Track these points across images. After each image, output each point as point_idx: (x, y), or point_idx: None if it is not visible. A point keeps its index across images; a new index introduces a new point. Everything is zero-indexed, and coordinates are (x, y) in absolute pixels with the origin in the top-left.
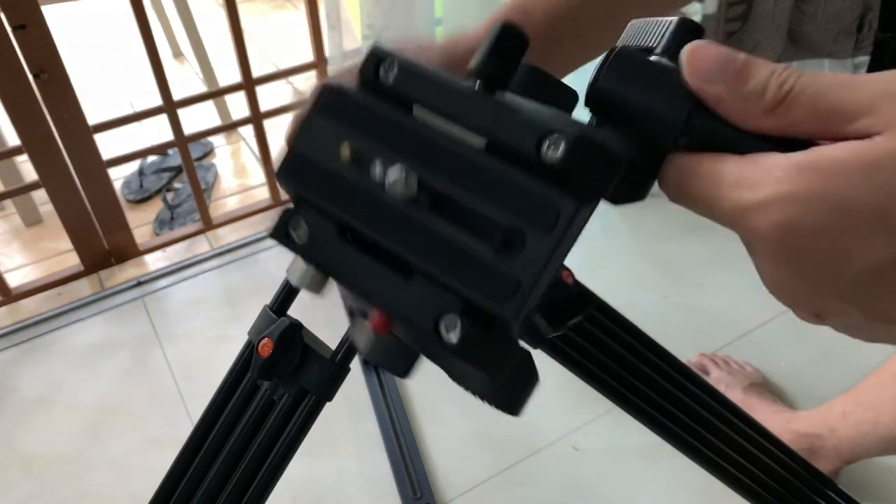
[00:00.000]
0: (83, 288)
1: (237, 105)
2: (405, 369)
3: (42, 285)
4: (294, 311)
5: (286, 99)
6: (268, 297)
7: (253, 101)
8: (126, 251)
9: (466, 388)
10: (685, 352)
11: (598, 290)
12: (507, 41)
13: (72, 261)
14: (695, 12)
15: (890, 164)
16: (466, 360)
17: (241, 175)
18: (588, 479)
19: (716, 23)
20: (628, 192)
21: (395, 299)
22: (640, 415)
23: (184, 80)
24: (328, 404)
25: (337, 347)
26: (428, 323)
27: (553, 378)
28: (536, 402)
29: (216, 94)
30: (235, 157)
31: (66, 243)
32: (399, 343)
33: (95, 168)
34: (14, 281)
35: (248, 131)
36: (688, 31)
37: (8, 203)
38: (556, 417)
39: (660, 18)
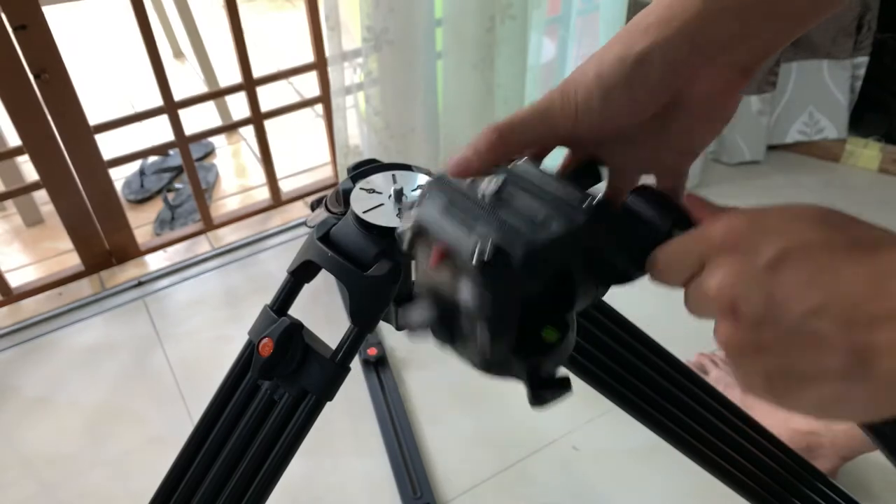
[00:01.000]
0: (84, 288)
1: (238, 105)
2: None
3: (43, 285)
4: (294, 311)
5: (287, 99)
6: (268, 297)
7: (253, 101)
8: (127, 251)
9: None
10: (684, 351)
11: None
12: (589, 172)
13: (72, 261)
14: None
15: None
16: (482, 274)
17: (241, 175)
18: (588, 478)
19: None
20: (621, 274)
21: (457, 237)
22: (639, 414)
23: (184, 81)
24: (328, 404)
25: (337, 347)
26: (469, 251)
27: None
28: None
29: (217, 94)
30: (236, 157)
31: (66, 243)
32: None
33: (96, 168)
34: (15, 281)
35: (248, 132)
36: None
37: (9, 203)
38: (555, 417)
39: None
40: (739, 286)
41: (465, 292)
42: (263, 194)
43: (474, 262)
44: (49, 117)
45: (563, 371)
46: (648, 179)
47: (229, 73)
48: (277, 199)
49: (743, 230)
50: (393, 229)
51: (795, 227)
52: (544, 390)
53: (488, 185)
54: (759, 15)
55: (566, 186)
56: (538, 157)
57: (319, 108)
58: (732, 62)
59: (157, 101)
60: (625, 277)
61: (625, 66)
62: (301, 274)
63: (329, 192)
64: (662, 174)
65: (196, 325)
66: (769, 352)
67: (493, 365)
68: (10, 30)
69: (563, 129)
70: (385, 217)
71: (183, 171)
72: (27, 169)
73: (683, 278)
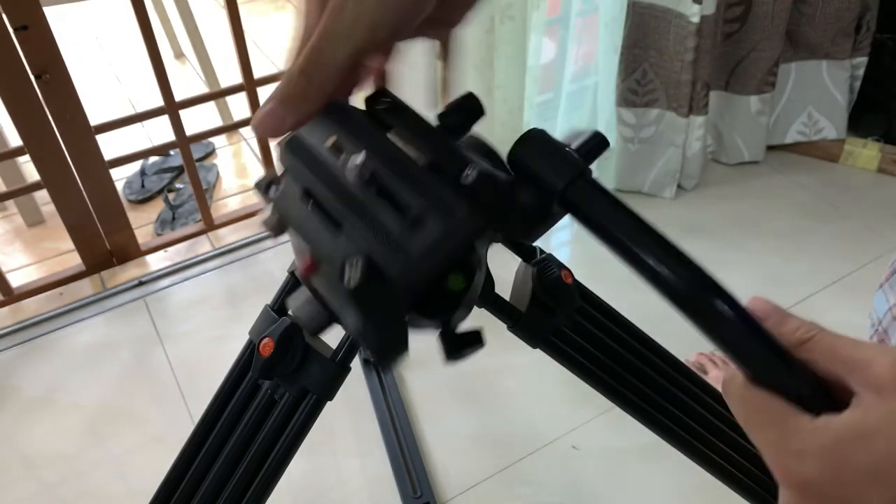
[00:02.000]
0: (85, 288)
1: (238, 106)
2: (317, 330)
3: (44, 285)
4: None
5: None
6: (269, 297)
7: (254, 101)
8: (127, 251)
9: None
10: (684, 351)
11: (599, 289)
12: (470, 105)
13: (73, 261)
14: (693, 13)
15: (879, 431)
16: (356, 303)
17: (242, 175)
18: (587, 478)
19: (714, 24)
20: (524, 231)
21: (323, 244)
22: (638, 413)
23: (185, 81)
24: (328, 403)
25: (337, 347)
26: (338, 263)
27: (552, 377)
28: (536, 402)
29: (217, 94)
30: (237, 157)
31: (67, 243)
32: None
33: (97, 168)
34: (16, 281)
35: (249, 132)
36: (597, 140)
37: (10, 203)
38: (555, 417)
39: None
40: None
41: (344, 310)
42: None
43: (347, 285)
44: (50, 118)
45: (473, 325)
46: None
47: (230, 74)
48: None
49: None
50: None
51: None
52: (459, 346)
53: (351, 161)
54: None
55: (438, 146)
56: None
57: None
58: None
59: (158, 101)
60: (532, 224)
61: None
62: None
63: None
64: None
65: (197, 324)
66: None
67: (390, 350)
68: (10, 30)
69: (361, 39)
70: None
71: (184, 171)
72: (28, 169)
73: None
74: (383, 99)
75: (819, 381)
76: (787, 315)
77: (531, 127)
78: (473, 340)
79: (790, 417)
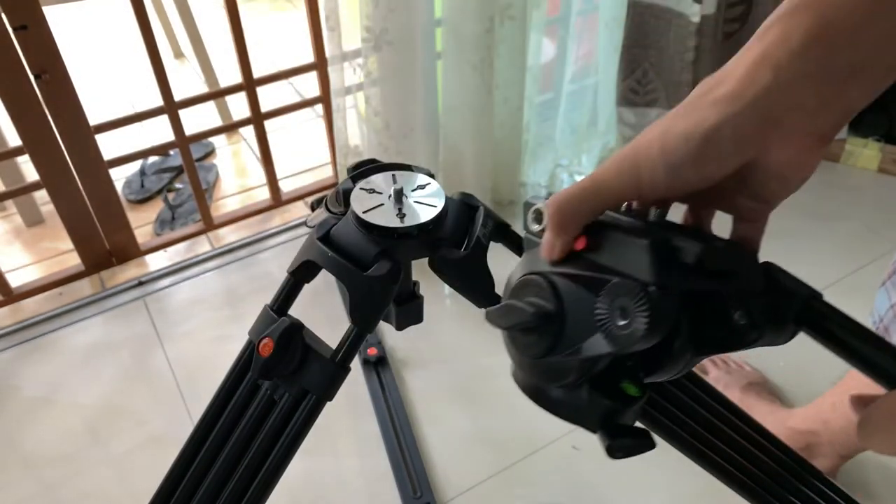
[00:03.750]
0: (84, 288)
1: (238, 105)
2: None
3: (43, 285)
4: (294, 311)
5: (287, 99)
6: (268, 297)
7: (254, 101)
8: (127, 251)
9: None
10: None
11: None
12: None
13: (73, 261)
14: (694, 13)
15: None
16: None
17: (241, 175)
18: (587, 478)
19: (714, 23)
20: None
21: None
22: (638, 413)
23: (185, 81)
24: (328, 403)
25: (337, 347)
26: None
27: None
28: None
29: (217, 94)
30: (236, 157)
31: (67, 243)
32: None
33: (96, 168)
34: (15, 281)
35: (248, 132)
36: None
37: (9, 203)
38: (555, 417)
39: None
40: None
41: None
42: (264, 194)
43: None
44: (49, 117)
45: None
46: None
47: (229, 74)
48: (277, 199)
49: None
50: (393, 229)
51: None
52: (622, 438)
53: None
54: (838, 80)
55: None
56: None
57: (319, 108)
58: (808, 131)
59: (158, 101)
60: (730, 342)
61: (692, 143)
62: (301, 274)
63: (329, 192)
64: (739, 218)
65: (196, 324)
66: None
67: (577, 406)
68: (10, 30)
69: (624, 200)
70: (385, 217)
71: (183, 171)
72: (27, 169)
73: None
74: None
75: None
76: None
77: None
78: (641, 435)
79: None
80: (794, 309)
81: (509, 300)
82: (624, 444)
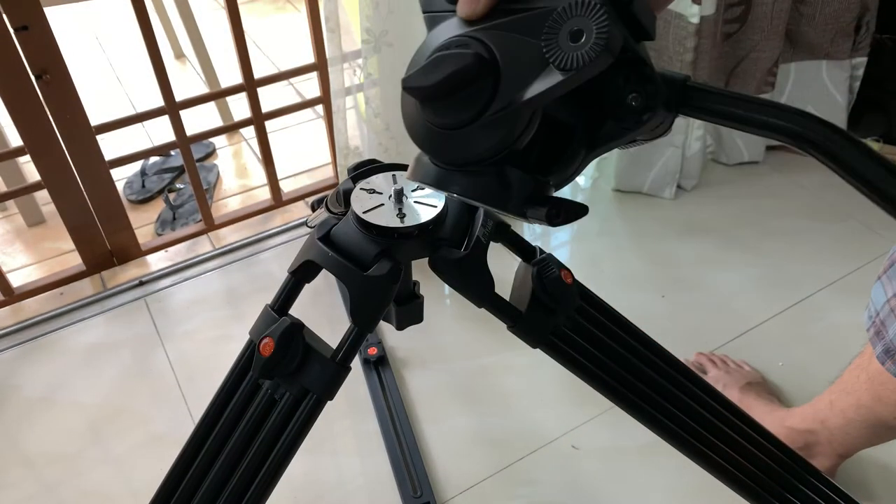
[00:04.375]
0: (85, 288)
1: (238, 106)
2: None
3: (44, 285)
4: (295, 311)
5: (287, 100)
6: (269, 297)
7: (254, 102)
8: (128, 251)
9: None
10: (683, 351)
11: (598, 289)
12: None
13: (74, 261)
14: (693, 14)
15: None
16: None
17: (242, 175)
18: (587, 477)
19: (714, 24)
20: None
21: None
22: (638, 413)
23: (185, 81)
24: (329, 403)
25: (338, 347)
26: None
27: (552, 377)
28: (536, 402)
29: (218, 95)
30: (237, 157)
31: (68, 243)
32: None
33: (97, 168)
34: (17, 281)
35: (249, 132)
36: None
37: (10, 203)
38: (555, 416)
39: None
40: None
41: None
42: (264, 194)
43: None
44: (50, 118)
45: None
46: None
47: (230, 74)
48: (278, 200)
49: None
50: (393, 229)
51: None
52: (557, 206)
53: None
54: None
55: None
56: None
57: (320, 108)
58: None
59: (159, 101)
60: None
61: None
62: (302, 274)
63: (329, 193)
64: None
65: (197, 324)
66: None
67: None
68: (11, 30)
69: None
70: (385, 217)
71: (184, 171)
72: (28, 169)
73: None
74: None
75: None
76: None
77: None
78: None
79: None
80: (676, 90)
81: (438, 54)
82: (564, 206)
